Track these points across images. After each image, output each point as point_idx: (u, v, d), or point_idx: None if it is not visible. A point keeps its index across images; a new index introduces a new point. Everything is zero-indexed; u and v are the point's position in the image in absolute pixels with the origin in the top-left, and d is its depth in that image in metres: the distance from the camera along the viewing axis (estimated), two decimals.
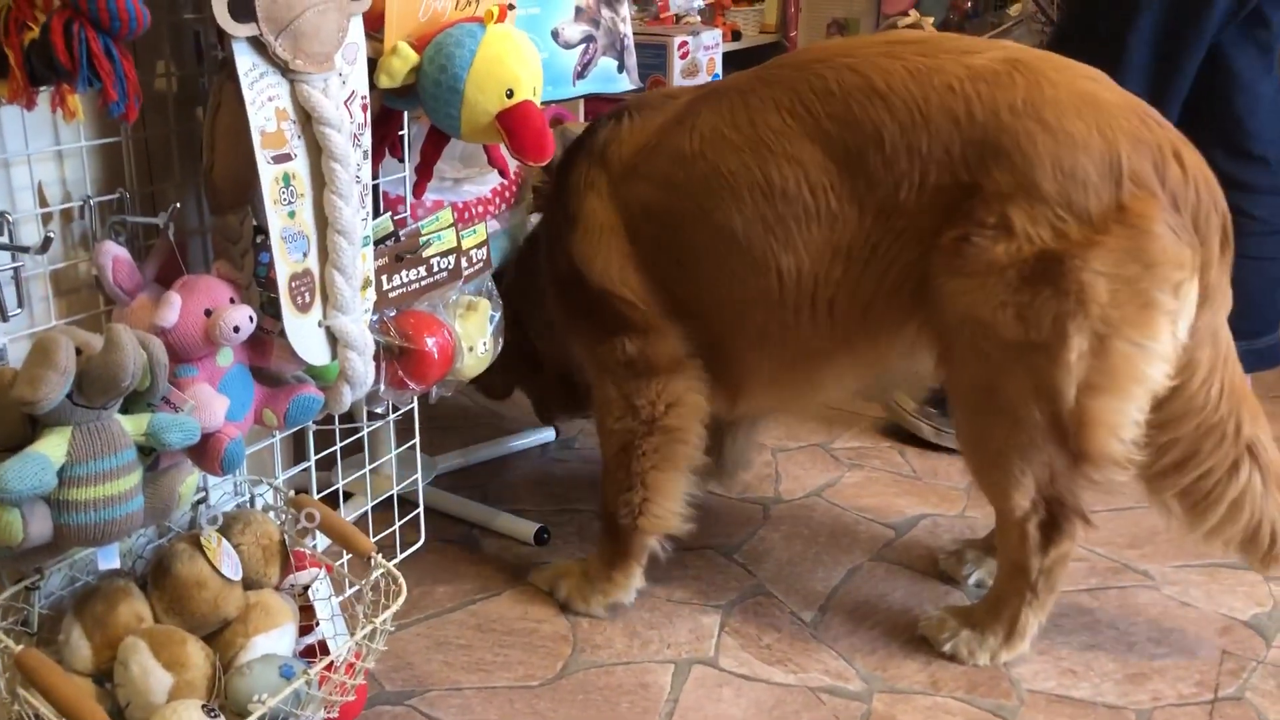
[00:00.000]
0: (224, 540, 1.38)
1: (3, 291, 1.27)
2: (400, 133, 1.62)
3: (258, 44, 1.23)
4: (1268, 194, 2.19)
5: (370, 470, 1.88)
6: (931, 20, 3.66)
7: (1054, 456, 1.54)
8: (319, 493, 1.72)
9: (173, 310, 1.25)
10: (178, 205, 1.35)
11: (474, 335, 1.74)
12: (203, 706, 1.22)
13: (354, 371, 1.42)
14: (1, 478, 1.08)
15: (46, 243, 1.28)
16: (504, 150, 1.52)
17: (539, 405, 2.20)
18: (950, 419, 2.36)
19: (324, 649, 1.41)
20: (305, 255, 1.34)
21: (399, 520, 1.86)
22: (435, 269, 1.64)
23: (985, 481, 1.63)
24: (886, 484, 2.25)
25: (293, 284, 1.33)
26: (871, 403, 2.54)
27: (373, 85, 1.40)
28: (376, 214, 1.55)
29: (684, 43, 2.74)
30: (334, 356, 1.40)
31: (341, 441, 1.78)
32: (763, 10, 4.09)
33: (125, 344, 1.12)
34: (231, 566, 1.36)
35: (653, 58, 2.70)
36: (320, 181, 1.33)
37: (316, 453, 1.72)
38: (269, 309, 1.35)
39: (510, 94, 1.43)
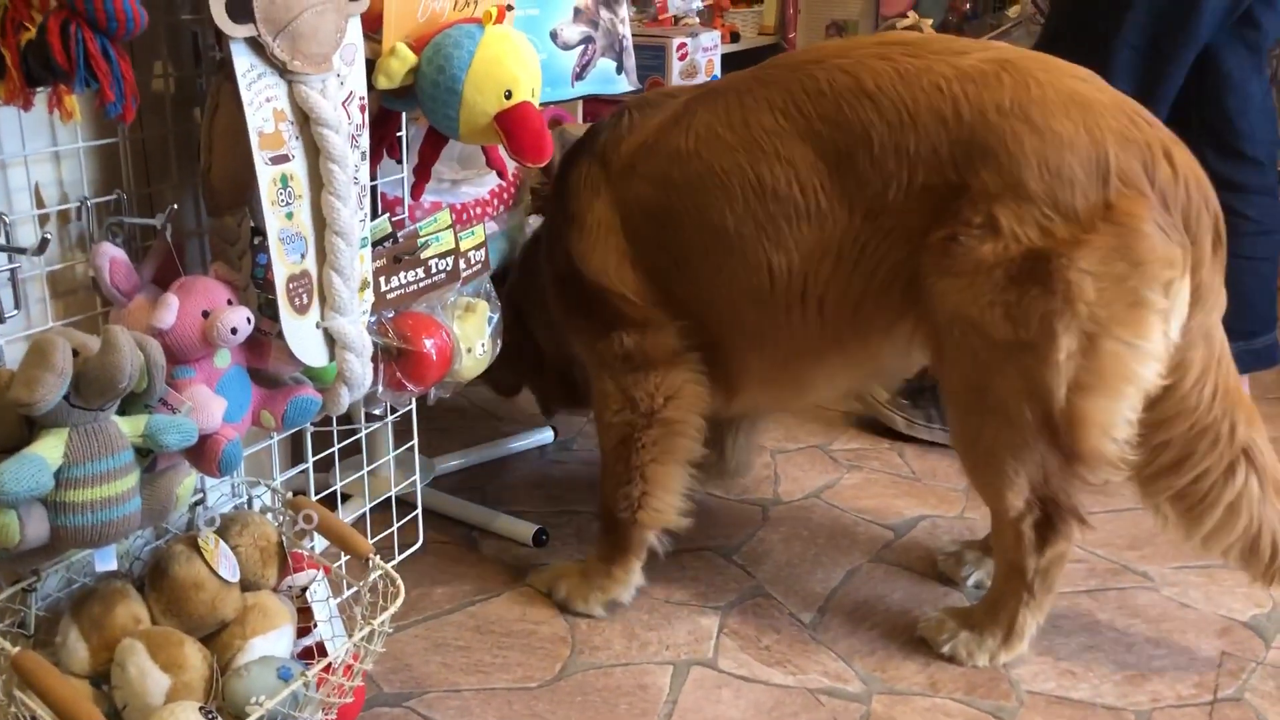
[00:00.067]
0: (221, 542, 1.38)
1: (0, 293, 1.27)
2: (398, 134, 1.62)
3: (255, 45, 1.22)
4: (1260, 194, 2.20)
5: (368, 472, 1.88)
6: (930, 22, 3.66)
7: (1046, 456, 1.54)
8: (317, 494, 1.72)
9: (170, 312, 1.24)
10: (175, 206, 1.35)
11: (472, 337, 1.74)
12: (200, 708, 1.22)
13: (352, 373, 1.42)
14: None
15: (43, 244, 1.28)
16: (502, 151, 1.52)
17: (542, 401, 2.21)
18: (922, 411, 2.42)
19: (322, 651, 1.41)
20: (303, 256, 1.33)
21: (397, 522, 1.86)
22: (433, 270, 1.64)
23: (979, 481, 1.63)
24: (885, 485, 2.25)
25: (290, 285, 1.32)
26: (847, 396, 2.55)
27: (371, 86, 1.40)
28: (374, 215, 1.55)
29: (682, 44, 2.74)
30: (332, 358, 1.40)
31: (339, 443, 1.78)
32: (761, 12, 4.10)
33: (122, 345, 1.12)
34: (229, 568, 1.36)
35: (651, 59, 2.70)
36: (318, 183, 1.32)
37: (314, 454, 1.72)
38: (267, 310, 1.35)
39: (509, 95, 1.43)
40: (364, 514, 1.85)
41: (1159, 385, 1.52)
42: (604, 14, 1.91)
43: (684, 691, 1.63)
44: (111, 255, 1.27)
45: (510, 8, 1.54)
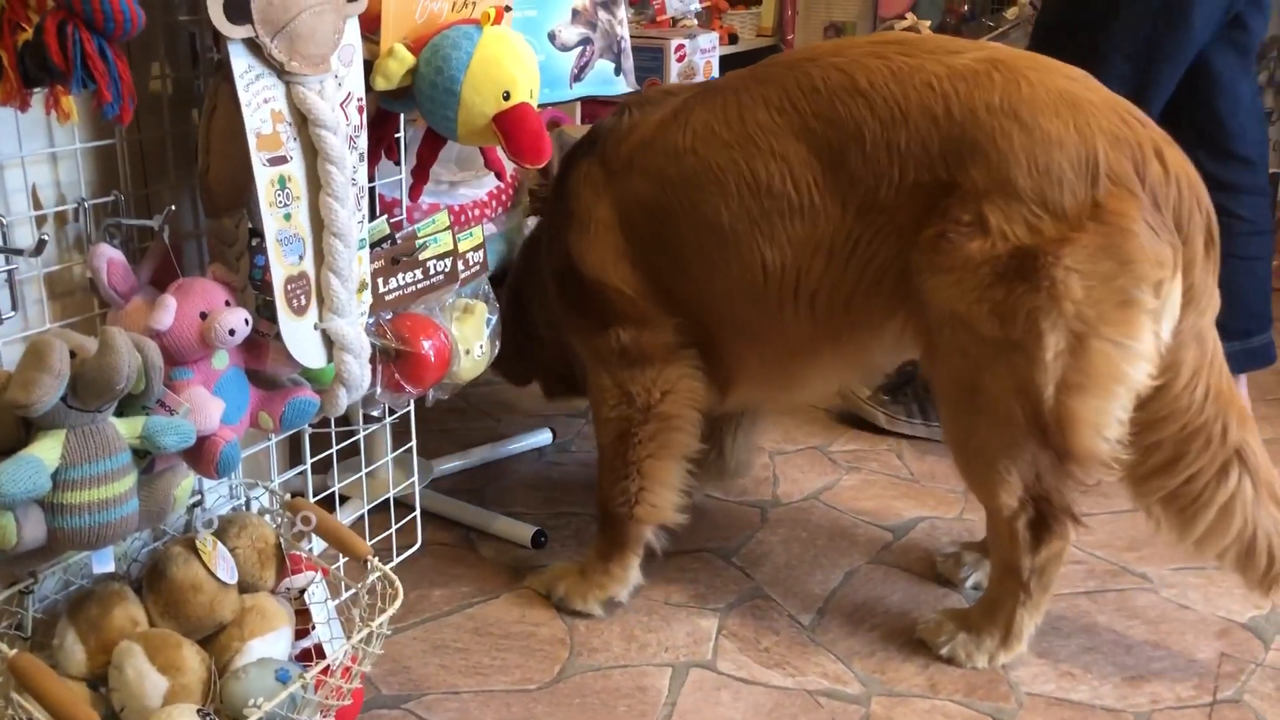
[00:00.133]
0: (219, 544, 1.37)
1: None
2: (396, 135, 1.62)
3: (253, 46, 1.22)
4: (1252, 194, 2.21)
5: (366, 473, 1.87)
6: (928, 23, 3.66)
7: (1038, 455, 1.54)
8: (315, 496, 1.72)
9: (168, 313, 1.24)
10: (173, 208, 1.34)
11: (470, 338, 1.74)
12: (198, 711, 1.22)
13: (350, 374, 1.41)
14: None
15: (41, 245, 1.28)
16: (500, 153, 1.52)
17: (545, 388, 2.20)
18: (903, 407, 2.45)
19: (320, 653, 1.41)
20: (301, 258, 1.33)
21: (395, 523, 1.86)
22: (432, 272, 1.64)
23: (972, 480, 1.64)
24: (884, 487, 2.25)
25: (288, 287, 1.32)
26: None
27: (369, 87, 1.40)
28: (373, 217, 1.55)
29: (681, 46, 2.74)
30: (330, 359, 1.40)
31: (338, 444, 1.78)
32: (759, 13, 4.10)
33: (120, 347, 1.11)
34: (227, 570, 1.36)
35: (649, 61, 2.70)
36: (316, 184, 1.32)
37: (312, 456, 1.72)
38: (265, 312, 1.34)
39: (507, 96, 1.42)
40: (362, 516, 1.85)
41: (1150, 386, 1.52)
42: (602, 15, 1.91)
43: (683, 693, 1.62)
44: (109, 256, 1.27)
45: (508, 9, 1.54)
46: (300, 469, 1.73)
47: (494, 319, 1.81)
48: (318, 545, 1.58)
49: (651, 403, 1.72)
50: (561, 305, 1.81)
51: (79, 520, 1.14)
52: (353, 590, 1.43)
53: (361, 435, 1.85)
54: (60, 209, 1.35)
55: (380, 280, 1.55)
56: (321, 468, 1.79)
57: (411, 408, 1.85)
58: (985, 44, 1.60)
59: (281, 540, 1.45)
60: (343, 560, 1.58)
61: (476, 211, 1.89)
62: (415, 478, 1.92)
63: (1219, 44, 2.12)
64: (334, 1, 1.28)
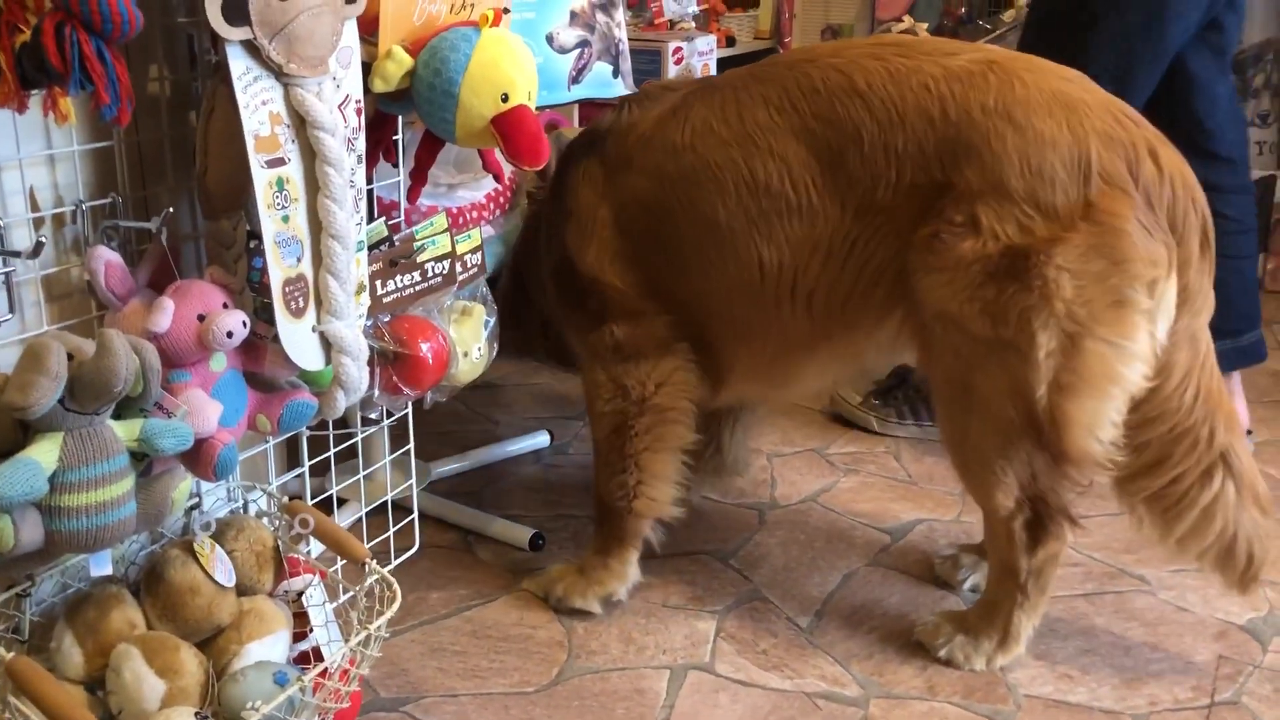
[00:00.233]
0: (217, 546, 1.37)
1: None
2: (395, 137, 1.62)
3: (251, 48, 1.22)
4: (1236, 192, 2.24)
5: (364, 476, 1.87)
6: (925, 26, 3.67)
7: (1033, 455, 1.54)
8: (313, 498, 1.72)
9: (165, 315, 1.24)
10: (171, 210, 1.34)
11: (468, 340, 1.74)
12: (196, 714, 1.22)
13: (348, 377, 1.41)
14: None
15: (38, 247, 1.27)
16: (499, 155, 1.52)
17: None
18: (893, 409, 2.48)
19: (318, 655, 1.40)
20: (299, 260, 1.33)
21: (393, 526, 1.86)
22: (430, 274, 1.64)
23: (968, 480, 1.64)
24: (882, 489, 2.25)
25: (286, 289, 1.32)
26: (818, 398, 2.58)
27: (367, 89, 1.40)
28: (371, 219, 1.55)
29: (678, 48, 2.74)
30: (328, 362, 1.40)
31: (335, 447, 1.78)
32: (757, 16, 4.10)
33: (118, 349, 1.11)
34: (225, 573, 1.35)
35: (647, 63, 2.70)
36: (314, 186, 1.32)
37: (310, 458, 1.72)
38: (262, 314, 1.34)
39: (505, 98, 1.43)
40: (360, 518, 1.85)
41: (1144, 387, 1.52)
42: (600, 18, 1.91)
43: (681, 696, 1.62)
44: (106, 259, 1.27)
45: (506, 11, 1.54)
46: (298, 471, 1.73)
47: (492, 321, 1.81)
48: (315, 548, 1.58)
49: (646, 395, 1.73)
50: (558, 300, 1.82)
51: (76, 523, 1.14)
52: (351, 593, 1.43)
53: (359, 438, 1.85)
54: (58, 211, 1.34)
55: (378, 282, 1.55)
56: (319, 470, 1.79)
57: (409, 410, 1.85)
58: (981, 46, 1.61)
59: (279, 543, 1.45)
60: (341, 563, 1.58)
61: (475, 214, 1.89)
62: (413, 480, 1.92)
63: (1195, 46, 2.15)
64: (332, 3, 1.28)
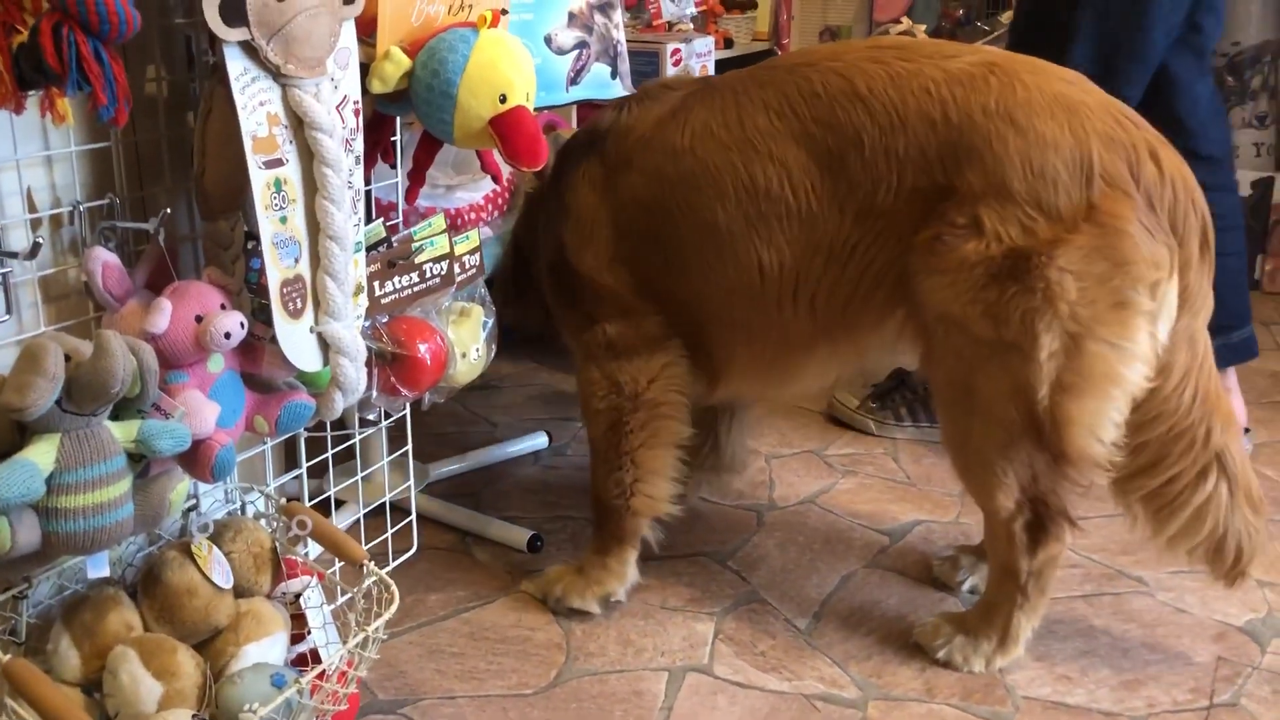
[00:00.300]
0: (215, 548, 1.37)
1: None
2: (393, 138, 1.62)
3: (249, 48, 1.22)
4: (1220, 190, 2.29)
5: (362, 477, 1.87)
6: (924, 27, 3.67)
7: (1034, 456, 1.54)
8: (311, 500, 1.71)
9: (163, 316, 1.24)
10: (168, 211, 1.34)
11: (467, 341, 1.74)
12: (193, 716, 1.22)
13: (346, 378, 1.41)
14: None
15: (35, 248, 1.27)
16: (497, 156, 1.51)
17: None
18: (891, 411, 2.48)
19: (316, 657, 1.40)
20: (297, 261, 1.33)
21: (391, 528, 1.85)
22: (428, 275, 1.63)
23: (969, 482, 1.64)
24: (880, 490, 2.24)
25: (284, 290, 1.32)
26: (817, 400, 2.59)
27: (365, 90, 1.40)
28: (369, 220, 1.54)
29: (676, 50, 2.74)
30: (326, 363, 1.40)
31: (333, 448, 1.78)
32: (755, 18, 4.10)
33: (115, 350, 1.11)
34: (222, 574, 1.35)
35: (645, 65, 2.70)
36: (312, 187, 1.32)
37: (308, 460, 1.71)
38: (260, 315, 1.34)
39: (503, 99, 1.42)
40: (358, 520, 1.85)
41: (1145, 388, 1.52)
42: (598, 19, 1.90)
43: (679, 698, 1.62)
44: (104, 260, 1.27)
45: (505, 12, 1.54)
46: (296, 473, 1.73)
47: (490, 322, 1.80)
48: (313, 550, 1.58)
49: (639, 390, 1.73)
50: (553, 297, 1.83)
51: (73, 525, 1.14)
52: (348, 595, 1.43)
53: (357, 439, 1.85)
54: (55, 212, 1.34)
55: (376, 283, 1.55)
56: (317, 472, 1.79)
57: (407, 411, 1.85)
58: (981, 48, 1.61)
59: (277, 545, 1.44)
60: (338, 565, 1.57)
61: (473, 215, 1.89)
62: (411, 482, 1.92)
63: (1176, 47, 2.18)
64: (330, 4, 1.28)
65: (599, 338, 1.74)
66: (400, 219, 1.70)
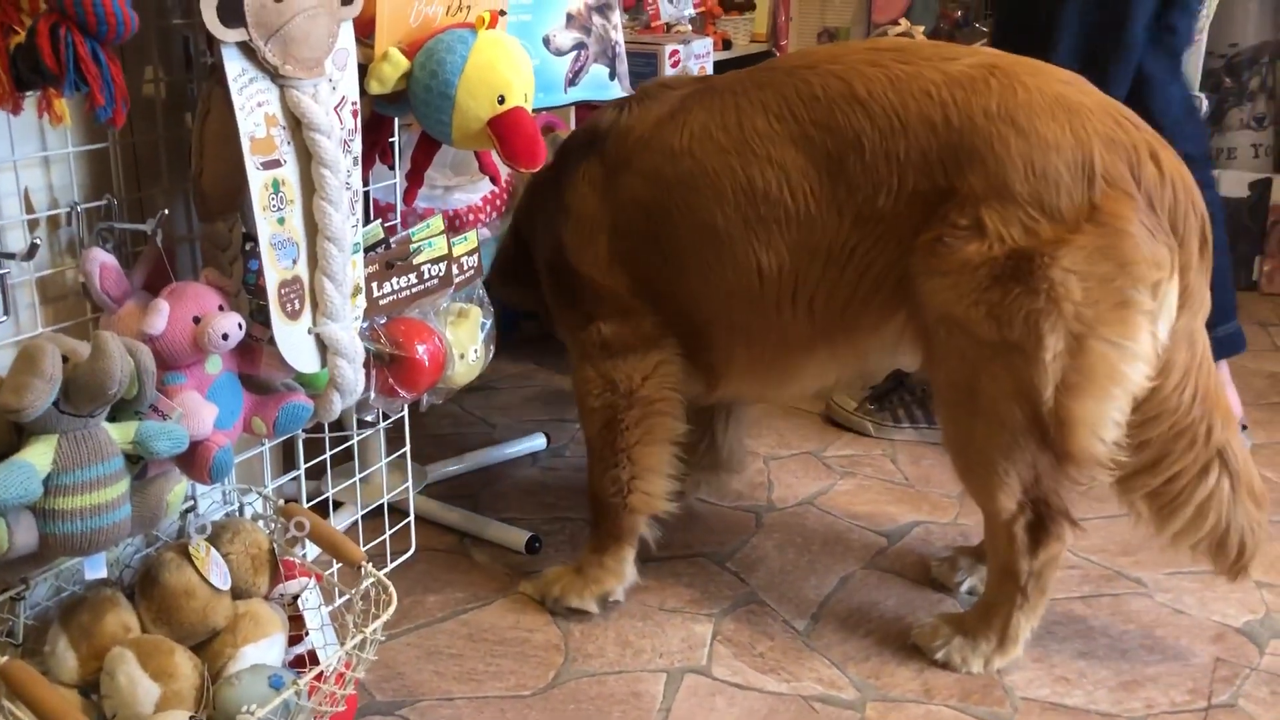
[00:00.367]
0: (212, 549, 1.37)
1: None
2: (391, 139, 1.62)
3: (247, 49, 1.22)
4: (1199, 188, 2.30)
5: (360, 479, 1.87)
6: (922, 29, 3.66)
7: (1037, 457, 1.54)
8: (309, 501, 1.71)
9: (161, 317, 1.24)
10: (166, 212, 1.34)
11: (465, 342, 1.73)
12: (191, 717, 1.21)
13: (344, 379, 1.41)
14: None
15: (33, 249, 1.27)
16: (495, 157, 1.51)
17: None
18: (889, 413, 2.49)
19: (314, 659, 1.40)
20: (295, 262, 1.33)
21: (389, 529, 1.85)
22: (426, 276, 1.63)
23: (971, 483, 1.64)
24: (879, 491, 2.24)
25: (282, 291, 1.32)
26: (815, 401, 2.59)
27: (363, 91, 1.40)
28: (367, 221, 1.54)
29: (675, 51, 2.74)
30: (324, 364, 1.39)
31: (331, 450, 1.77)
32: (753, 19, 4.10)
33: (112, 351, 1.11)
34: (220, 576, 1.35)
35: (644, 66, 2.70)
36: (310, 188, 1.32)
37: (306, 461, 1.71)
38: (258, 316, 1.34)
39: (502, 100, 1.42)
40: (356, 521, 1.85)
41: (1146, 387, 1.53)
42: (597, 20, 1.90)
43: (678, 699, 1.62)
44: (102, 261, 1.26)
45: (503, 13, 1.54)
46: (294, 474, 1.72)
47: (488, 323, 1.80)
48: (311, 551, 1.57)
49: (634, 388, 1.73)
50: (551, 295, 1.83)
51: (71, 526, 1.13)
52: (346, 596, 1.43)
53: (355, 440, 1.85)
54: (53, 213, 1.34)
55: (374, 285, 1.55)
56: (315, 473, 1.79)
57: (406, 413, 1.85)
58: (981, 49, 1.61)
59: (275, 546, 1.44)
60: (336, 566, 1.57)
61: (471, 216, 1.89)
62: (409, 483, 1.92)
63: (1150, 48, 2.20)
64: (328, 5, 1.28)
65: (594, 336, 1.74)
66: (398, 220, 1.70)
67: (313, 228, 1.33)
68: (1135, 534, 2.02)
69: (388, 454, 1.94)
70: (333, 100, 1.32)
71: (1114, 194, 1.45)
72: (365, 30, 1.38)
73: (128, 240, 1.39)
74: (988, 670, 1.66)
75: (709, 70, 2.85)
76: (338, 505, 1.97)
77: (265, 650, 1.34)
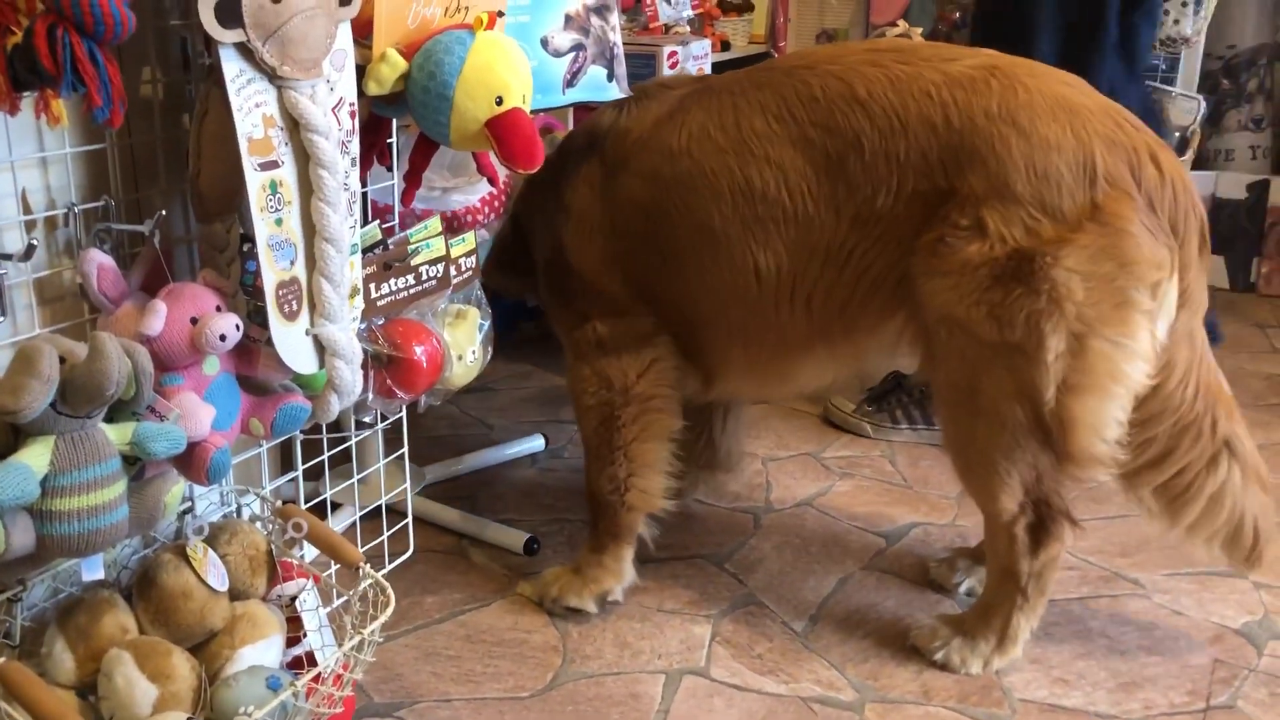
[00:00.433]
0: (210, 551, 1.37)
1: None
2: (389, 140, 1.62)
3: (245, 50, 1.22)
4: None
5: (358, 480, 1.87)
6: (920, 30, 3.67)
7: (1038, 457, 1.55)
8: (306, 503, 1.71)
9: (158, 318, 1.24)
10: (163, 213, 1.34)
11: (463, 344, 1.73)
12: (188, 719, 1.21)
13: (342, 380, 1.41)
14: None
15: (30, 250, 1.27)
16: (493, 158, 1.51)
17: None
18: (887, 414, 2.49)
19: (311, 660, 1.40)
20: (292, 263, 1.33)
21: (387, 530, 1.85)
22: (424, 277, 1.63)
23: (972, 484, 1.64)
24: (877, 493, 2.24)
25: (280, 292, 1.32)
26: (814, 403, 2.60)
27: (361, 92, 1.40)
28: (365, 222, 1.54)
29: (673, 53, 2.74)
30: (321, 365, 1.39)
31: (329, 451, 1.77)
32: (751, 20, 4.10)
33: (110, 352, 1.11)
34: (218, 577, 1.35)
35: (642, 67, 2.70)
36: (308, 189, 1.32)
37: (304, 462, 1.71)
38: (256, 317, 1.34)
39: (500, 101, 1.42)
40: (354, 522, 1.85)
41: (1147, 386, 1.53)
42: (595, 21, 1.90)
43: (676, 700, 1.62)
44: (99, 262, 1.26)
45: (501, 14, 1.54)
46: (292, 475, 1.72)
47: (486, 324, 1.80)
48: (309, 552, 1.57)
49: (629, 385, 1.74)
50: (548, 294, 1.83)
51: (68, 527, 1.13)
52: (344, 597, 1.43)
53: (353, 441, 1.84)
54: (50, 214, 1.34)
55: (372, 286, 1.55)
56: (313, 474, 1.79)
57: (404, 414, 1.85)
58: (980, 50, 1.61)
59: (273, 547, 1.44)
60: (334, 567, 1.57)
61: (469, 217, 1.88)
62: (407, 484, 1.92)
63: (1109, 55, 2.24)
64: (326, 6, 1.28)
65: (590, 335, 1.74)
66: (396, 221, 1.70)
67: (310, 229, 1.33)
68: (1133, 535, 2.03)
69: (386, 455, 1.93)
70: (330, 101, 1.32)
71: (1115, 194, 1.46)
72: (363, 31, 1.38)
73: (125, 241, 1.39)
74: (986, 671, 1.66)
75: (707, 72, 2.85)
76: (336, 506, 1.97)
77: (263, 652, 1.34)
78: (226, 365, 1.34)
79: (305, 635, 1.43)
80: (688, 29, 3.25)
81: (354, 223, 1.40)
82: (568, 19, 1.85)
